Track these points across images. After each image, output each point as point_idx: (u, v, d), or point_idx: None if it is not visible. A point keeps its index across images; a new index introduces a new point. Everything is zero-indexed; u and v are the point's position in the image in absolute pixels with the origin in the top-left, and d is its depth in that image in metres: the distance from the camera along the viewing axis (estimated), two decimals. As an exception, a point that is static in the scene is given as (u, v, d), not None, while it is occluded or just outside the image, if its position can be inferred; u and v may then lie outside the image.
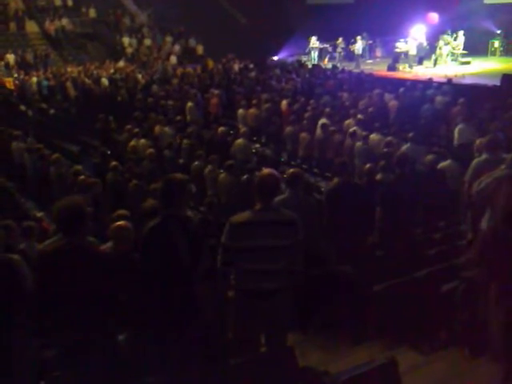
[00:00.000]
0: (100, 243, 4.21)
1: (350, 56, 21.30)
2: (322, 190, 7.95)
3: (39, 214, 8.23)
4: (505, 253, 3.18)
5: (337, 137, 9.96)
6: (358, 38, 20.43)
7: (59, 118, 15.62)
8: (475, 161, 5.68)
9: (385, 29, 20.52)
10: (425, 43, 18.87)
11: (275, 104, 13.43)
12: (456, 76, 15.21)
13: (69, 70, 20.41)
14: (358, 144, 9.16)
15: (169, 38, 25.56)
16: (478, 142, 5.88)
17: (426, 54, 18.98)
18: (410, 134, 8.53)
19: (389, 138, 8.89)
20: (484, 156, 5.61)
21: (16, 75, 19.67)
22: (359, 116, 11.00)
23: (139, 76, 18.89)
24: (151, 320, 3.42)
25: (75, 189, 7.35)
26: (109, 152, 10.26)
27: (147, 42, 25.28)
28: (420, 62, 18.72)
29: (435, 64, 18.30)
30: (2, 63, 21.61)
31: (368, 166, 6.29)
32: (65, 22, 25.04)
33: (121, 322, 3.42)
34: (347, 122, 10.89)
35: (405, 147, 8.12)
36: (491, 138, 5.79)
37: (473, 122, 9.70)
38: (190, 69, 20.75)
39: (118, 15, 26.61)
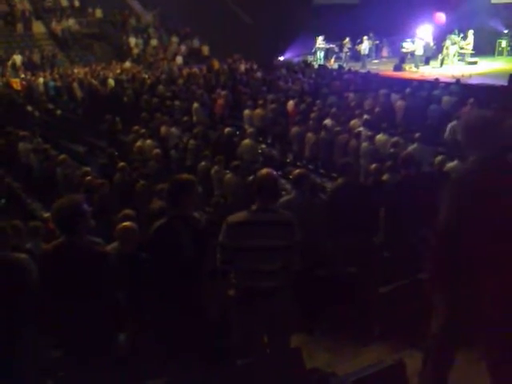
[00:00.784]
0: (106, 243, 4.23)
1: (356, 56, 21.25)
2: (328, 190, 7.95)
3: (46, 215, 8.25)
4: None
5: (341, 137, 9.93)
6: (365, 38, 20.39)
7: (66, 119, 15.68)
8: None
9: (391, 29, 20.46)
10: (431, 43, 18.81)
11: (281, 104, 13.43)
12: (463, 76, 15.14)
13: (75, 70, 20.50)
14: (364, 144, 9.14)
15: (175, 39, 25.62)
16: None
17: (433, 54, 18.92)
18: (417, 135, 8.50)
19: (395, 139, 8.86)
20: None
21: (23, 76, 19.77)
22: (365, 116, 10.98)
23: (145, 76, 18.94)
24: (155, 319, 3.43)
25: (82, 189, 7.38)
26: (116, 153, 10.27)
27: (153, 42, 25.35)
28: (427, 62, 18.66)
29: (442, 64, 18.23)
30: (9, 64, 21.72)
31: (374, 166, 6.28)
32: (71, 22, 25.16)
33: (121, 321, 3.42)
34: (353, 122, 10.88)
35: (411, 147, 8.09)
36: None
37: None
38: (196, 69, 20.79)
39: (124, 16, 26.70)
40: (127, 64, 22.23)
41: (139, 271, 3.75)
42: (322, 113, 11.68)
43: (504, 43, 19.23)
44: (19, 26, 24.57)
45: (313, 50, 22.32)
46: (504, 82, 13.54)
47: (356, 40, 21.04)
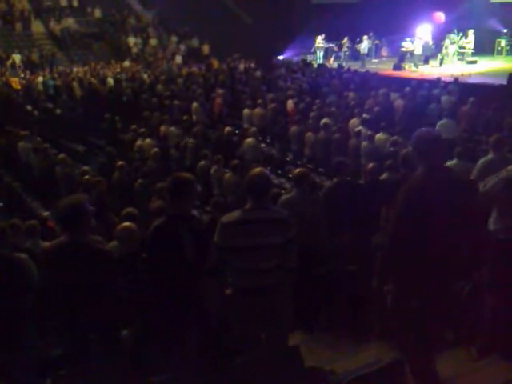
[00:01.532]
0: (105, 242, 4.24)
1: (355, 55, 21.26)
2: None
3: (45, 214, 8.27)
4: None
5: (340, 136, 9.94)
6: (365, 37, 20.40)
7: (65, 118, 15.67)
8: (482, 160, 5.65)
9: (391, 28, 20.46)
10: (431, 42, 18.84)
11: (281, 104, 13.43)
12: (462, 75, 15.16)
13: (74, 69, 20.50)
14: (364, 143, 9.15)
15: (174, 38, 25.62)
16: (491, 139, 5.83)
17: (432, 53, 18.93)
18: None
19: (395, 137, 8.87)
20: (490, 156, 5.58)
21: (22, 75, 19.78)
22: (365, 115, 10.99)
23: (145, 76, 18.94)
24: (156, 318, 3.43)
25: (80, 188, 7.40)
26: (115, 152, 10.29)
27: (152, 41, 25.35)
28: (426, 62, 18.68)
29: (441, 63, 18.25)
30: (9, 63, 21.71)
31: (371, 165, 6.26)
32: (70, 22, 25.15)
33: (123, 320, 3.44)
34: (352, 121, 10.89)
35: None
36: (498, 137, 5.76)
37: (461, 118, 10.18)
38: (195, 68, 20.79)
39: (123, 15, 26.70)
40: (126, 63, 22.23)
41: (140, 271, 3.76)
42: (321, 112, 11.68)
43: (503, 42, 19.26)
44: (18, 26, 24.57)
45: (312, 50, 22.32)
46: (503, 81, 13.55)
47: (355, 39, 21.05)
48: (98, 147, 12.73)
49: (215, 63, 22.17)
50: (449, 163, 6.65)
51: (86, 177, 7.76)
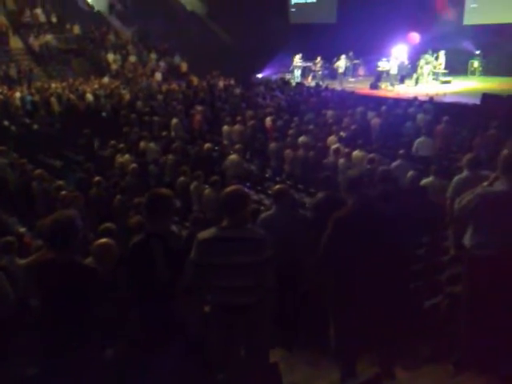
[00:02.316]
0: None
1: (332, 74, 21.60)
2: (307, 205, 8.00)
3: (22, 230, 8.13)
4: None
5: (317, 154, 10.04)
6: (342, 56, 20.74)
7: (42, 134, 15.51)
8: (456, 178, 5.79)
9: (367, 48, 20.87)
10: (406, 62, 19.24)
11: (260, 121, 13.53)
12: (437, 95, 15.49)
13: (53, 85, 20.34)
14: (341, 161, 9.25)
15: (153, 55, 25.67)
16: (466, 157, 6.00)
17: (408, 72, 19.33)
18: (401, 151, 8.65)
19: (372, 155, 8.99)
20: (465, 173, 5.73)
21: (0, 90, 19.53)
22: (342, 133, 11.15)
23: (124, 92, 18.90)
24: (133, 337, 3.39)
25: (58, 204, 7.31)
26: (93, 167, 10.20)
27: (132, 58, 25.35)
28: (402, 81, 19.05)
29: (417, 83, 18.65)
30: (-14, 78, 21.47)
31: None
32: (49, 38, 25.01)
33: (108, 338, 3.39)
34: (330, 138, 11.03)
35: (395, 164, 8.20)
36: (472, 156, 5.92)
37: (436, 137, 10.37)
38: (175, 85, 20.84)
39: (102, 32, 26.69)
40: (105, 79, 22.17)
41: (116, 289, 3.72)
42: (299, 129, 11.80)
43: (476, 63, 19.77)
44: (-4, 41, 24.38)
45: (290, 68, 22.62)
46: (477, 101, 13.89)
47: (332, 58, 21.39)
48: (76, 163, 12.62)
49: (195, 80, 22.26)
50: (425, 181, 6.81)
51: (63, 192, 7.68)
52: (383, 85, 18.99)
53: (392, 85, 18.63)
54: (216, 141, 13.45)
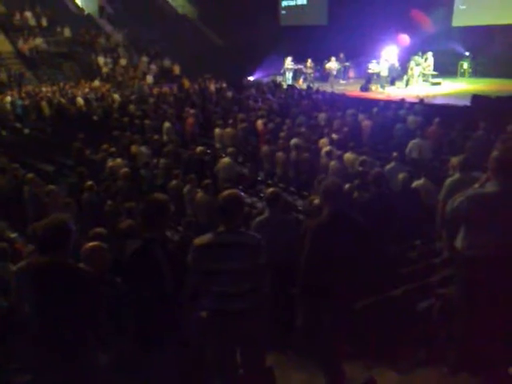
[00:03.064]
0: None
1: (323, 76, 21.66)
2: (300, 208, 8.01)
3: (12, 235, 8.10)
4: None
5: (308, 155, 10.07)
6: (333, 58, 20.80)
7: (33, 138, 15.45)
8: (448, 180, 5.82)
9: (357, 50, 20.96)
10: (396, 64, 19.32)
11: (251, 123, 13.53)
12: (427, 96, 15.57)
13: (43, 89, 20.26)
14: (333, 163, 9.27)
15: (145, 58, 25.63)
16: (453, 160, 6.05)
17: (398, 74, 19.41)
18: (395, 154, 8.68)
19: (363, 157, 9.02)
20: (457, 175, 5.76)
21: (-11, 95, 19.43)
22: (333, 135, 11.18)
23: (115, 95, 18.85)
24: (132, 343, 3.37)
25: (49, 209, 7.27)
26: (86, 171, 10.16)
27: (123, 61, 25.29)
28: (392, 83, 19.13)
29: (407, 84, 18.73)
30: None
31: (349, 185, 6.37)
32: (39, 41, 24.90)
33: (101, 342, 3.36)
34: (322, 141, 11.05)
35: (389, 166, 8.23)
36: (464, 158, 5.96)
37: (428, 139, 10.40)
38: (167, 88, 20.82)
39: (93, 35, 26.60)
40: (96, 83, 22.11)
41: (110, 293, 3.69)
42: (291, 132, 11.82)
43: (465, 65, 19.89)
44: (-15, 45, 24.24)
45: (281, 71, 22.65)
46: (467, 102, 13.98)
47: (323, 61, 21.44)
48: (67, 167, 12.57)
49: (186, 83, 22.25)
50: (416, 182, 6.85)
51: (55, 197, 7.65)
52: (374, 87, 19.06)
53: (382, 87, 18.70)
54: (208, 144, 13.46)
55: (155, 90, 20.40)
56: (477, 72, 19.73)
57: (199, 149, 10.75)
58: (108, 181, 9.16)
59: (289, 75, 22.30)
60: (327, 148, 9.97)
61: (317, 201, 5.31)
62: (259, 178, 11.43)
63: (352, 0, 20.94)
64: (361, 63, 21.59)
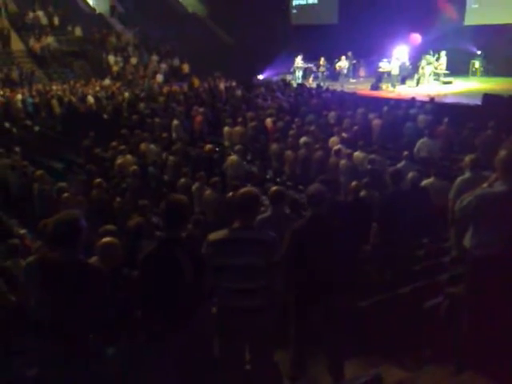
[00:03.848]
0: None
1: (333, 75, 21.60)
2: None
3: (22, 231, 8.14)
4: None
5: (318, 154, 10.05)
6: (343, 57, 20.73)
7: (44, 135, 15.56)
8: (459, 179, 5.79)
9: (368, 49, 20.86)
10: (407, 63, 19.21)
11: (261, 122, 13.53)
12: (438, 95, 15.47)
13: (54, 87, 20.40)
14: (343, 162, 9.25)
15: (155, 57, 25.72)
16: (466, 159, 6.02)
17: (409, 73, 19.31)
18: (406, 152, 8.63)
19: (372, 156, 8.99)
20: (467, 174, 5.73)
21: (1, 92, 19.59)
22: (343, 134, 11.14)
23: (125, 94, 18.94)
24: (145, 338, 3.37)
25: (60, 207, 7.30)
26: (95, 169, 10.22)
27: (133, 60, 25.40)
28: (403, 82, 19.03)
29: (418, 83, 18.62)
30: (-13, 80, 21.53)
31: (354, 183, 6.35)
32: (50, 40, 25.08)
33: (110, 337, 3.37)
34: (332, 139, 11.03)
35: (400, 165, 8.19)
36: (474, 156, 5.93)
37: (438, 138, 10.35)
38: (176, 87, 20.87)
39: (103, 34, 26.74)
40: (107, 81, 22.22)
41: (123, 288, 3.70)
42: (300, 130, 11.80)
43: (477, 64, 19.75)
44: (-3, 43, 24.46)
45: (291, 70, 22.62)
46: (478, 102, 13.87)
47: (334, 59, 21.38)
48: (77, 165, 12.65)
49: (196, 82, 22.30)
50: (425, 181, 6.81)
51: (66, 195, 7.68)
52: (384, 86, 18.97)
53: (393, 86, 18.61)
54: (217, 142, 13.48)
55: (165, 89, 20.47)
56: (488, 71, 19.59)
57: (208, 147, 10.78)
58: (117, 178, 9.20)
59: (299, 74, 22.27)
60: (336, 147, 9.95)
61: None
62: (268, 176, 11.42)
63: (363, -1, 20.88)
64: (371, 62, 21.50)
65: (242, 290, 3.30)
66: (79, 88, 20.33)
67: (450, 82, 18.51)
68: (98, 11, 29.24)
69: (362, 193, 6.51)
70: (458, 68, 19.34)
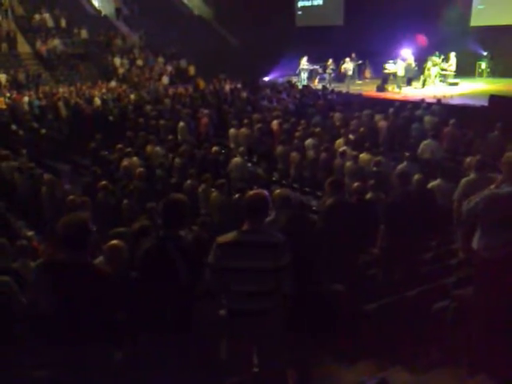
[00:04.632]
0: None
1: (339, 77, 21.57)
2: (314, 208, 7.99)
3: (29, 233, 8.19)
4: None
5: (324, 156, 10.04)
6: (347, 59, 20.71)
7: (50, 138, 15.61)
8: (464, 180, 5.77)
9: (374, 50, 20.81)
10: (413, 64, 19.16)
11: (266, 124, 13.54)
12: (444, 97, 15.43)
13: (60, 90, 20.48)
14: (348, 163, 9.24)
15: (161, 59, 25.78)
16: (468, 160, 6.00)
17: (415, 75, 19.26)
18: (407, 154, 8.61)
19: (378, 158, 8.98)
20: (472, 175, 5.71)
21: (8, 95, 19.68)
22: (350, 136, 11.13)
23: (131, 96, 18.99)
24: (147, 339, 3.38)
25: (65, 208, 7.33)
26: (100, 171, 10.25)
27: (139, 62, 25.46)
28: (409, 83, 18.99)
29: (424, 85, 18.58)
30: (-6, 83, 21.62)
31: (357, 184, 6.32)
32: (56, 42, 25.18)
33: (118, 341, 3.38)
34: (338, 141, 11.02)
35: (402, 166, 8.17)
36: (480, 158, 5.90)
37: (443, 139, 10.38)
38: (182, 89, 20.91)
39: (109, 36, 26.82)
40: (113, 83, 22.29)
41: (129, 290, 3.71)
42: (306, 132, 11.80)
43: (483, 65, 19.68)
44: (4, 46, 24.52)
45: (297, 71, 22.60)
46: (484, 103, 13.82)
47: (339, 61, 21.36)
48: (83, 167, 12.69)
49: (201, 84, 22.32)
50: (432, 183, 6.78)
51: (71, 197, 7.70)
52: (390, 87, 18.93)
53: (399, 87, 18.57)
54: (222, 144, 13.49)
55: (171, 91, 20.50)
56: (495, 72, 19.51)
57: (214, 149, 10.80)
58: (123, 180, 9.22)
59: (304, 75, 22.23)
60: (341, 149, 9.94)
61: (328, 201, 5.27)
62: (274, 179, 11.43)
63: (368, 0, 20.84)
64: (377, 63, 21.46)
65: (251, 293, 3.29)
66: (85, 90, 20.40)
67: (456, 84, 18.45)
68: (103, 14, 29.33)
69: (369, 195, 6.50)
70: (464, 69, 19.28)
